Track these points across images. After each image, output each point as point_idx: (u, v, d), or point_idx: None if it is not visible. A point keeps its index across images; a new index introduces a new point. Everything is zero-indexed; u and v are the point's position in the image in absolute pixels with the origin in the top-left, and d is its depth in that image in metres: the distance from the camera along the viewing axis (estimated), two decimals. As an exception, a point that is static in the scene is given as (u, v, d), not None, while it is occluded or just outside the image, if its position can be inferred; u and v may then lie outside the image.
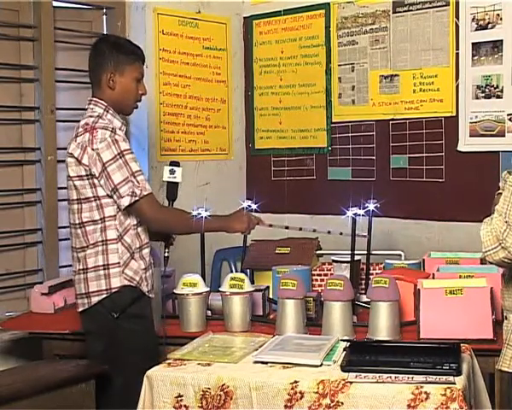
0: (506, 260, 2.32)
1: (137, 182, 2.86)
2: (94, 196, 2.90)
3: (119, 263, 2.90)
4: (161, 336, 3.04)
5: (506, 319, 2.49)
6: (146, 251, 2.99)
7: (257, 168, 4.79)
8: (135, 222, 2.94)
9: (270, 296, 3.41)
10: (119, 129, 2.95)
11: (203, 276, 3.41)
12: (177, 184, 3.14)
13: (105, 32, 4.20)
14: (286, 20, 4.61)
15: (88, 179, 2.89)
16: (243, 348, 2.75)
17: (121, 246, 2.91)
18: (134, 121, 4.20)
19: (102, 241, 2.90)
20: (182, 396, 2.50)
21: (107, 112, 2.97)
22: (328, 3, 4.43)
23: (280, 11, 4.63)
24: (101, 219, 2.90)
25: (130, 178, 2.85)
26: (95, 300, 2.90)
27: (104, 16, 4.21)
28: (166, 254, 3.14)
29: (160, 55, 4.29)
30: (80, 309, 2.96)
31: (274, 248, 3.76)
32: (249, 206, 3.73)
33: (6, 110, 3.83)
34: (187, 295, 3.21)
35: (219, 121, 4.65)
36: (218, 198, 4.39)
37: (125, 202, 2.85)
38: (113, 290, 2.89)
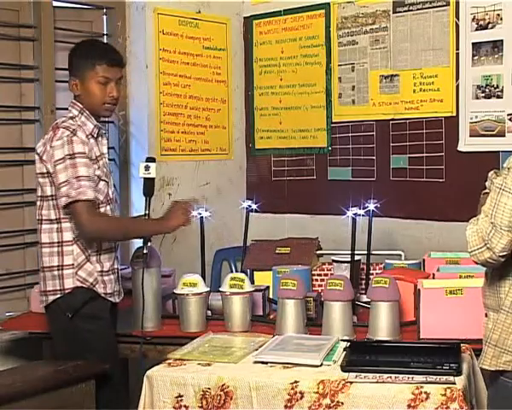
0: (490, 261, 2.32)
1: (78, 186, 2.84)
2: (51, 195, 2.93)
3: (72, 265, 2.93)
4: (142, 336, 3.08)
5: (486, 316, 2.47)
6: (106, 256, 3.00)
7: (257, 168, 4.79)
8: None
9: (271, 296, 3.41)
10: (90, 133, 2.98)
11: (203, 276, 3.41)
12: (152, 179, 3.14)
13: (105, 32, 4.20)
14: (286, 20, 4.61)
15: (47, 177, 2.93)
16: (243, 348, 2.75)
17: (76, 248, 2.94)
18: (134, 121, 4.21)
19: (58, 242, 2.94)
20: (182, 396, 2.50)
21: (82, 114, 3.00)
22: (329, 3, 4.43)
23: (280, 11, 4.63)
24: (56, 218, 2.93)
25: (71, 180, 2.85)
26: (50, 298, 2.96)
27: (104, 16, 4.21)
28: (145, 251, 3.12)
29: (160, 55, 4.29)
30: (42, 305, 3.03)
31: (274, 248, 3.76)
32: (249, 206, 3.74)
33: (6, 110, 3.83)
34: (187, 295, 3.21)
35: (219, 121, 4.65)
36: (218, 198, 4.39)
37: (62, 202, 2.87)
38: (67, 291, 2.94)
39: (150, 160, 3.16)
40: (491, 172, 2.58)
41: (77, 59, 3.02)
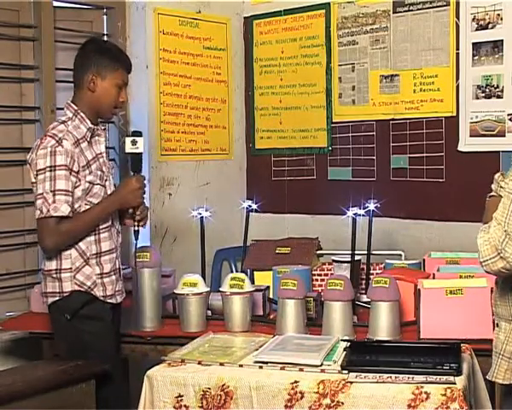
0: (504, 271, 2.24)
1: (52, 201, 2.84)
2: None
3: (70, 268, 2.93)
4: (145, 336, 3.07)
5: (497, 326, 2.43)
6: (107, 258, 2.99)
7: (257, 168, 4.79)
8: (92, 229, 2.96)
9: (271, 296, 3.41)
10: (83, 137, 2.95)
11: (203, 276, 3.41)
12: (139, 155, 3.03)
13: (105, 32, 4.20)
14: (286, 20, 4.61)
15: (35, 186, 2.94)
16: (243, 348, 2.75)
17: (74, 252, 2.94)
18: (134, 121, 4.20)
19: None
20: (182, 396, 2.50)
21: (76, 116, 2.98)
22: (329, 3, 4.43)
23: (280, 11, 4.63)
24: None
25: (45, 194, 2.84)
26: (50, 300, 2.98)
27: (104, 16, 4.21)
28: (136, 228, 3.06)
29: (161, 55, 4.29)
30: (44, 306, 3.04)
31: (274, 248, 3.76)
32: (249, 206, 3.73)
33: (6, 110, 3.83)
34: (187, 295, 3.21)
35: (220, 121, 4.65)
36: (219, 198, 4.39)
37: (36, 215, 2.88)
38: (65, 294, 2.94)
39: (136, 134, 3.06)
40: (498, 174, 2.52)
41: (102, 57, 2.99)
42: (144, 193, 3.03)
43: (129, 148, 3.02)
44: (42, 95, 3.87)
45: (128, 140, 3.02)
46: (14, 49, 3.85)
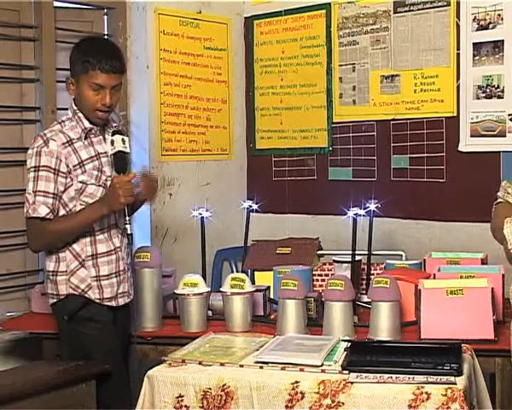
0: None
1: (32, 202, 2.85)
2: None
3: (65, 271, 2.93)
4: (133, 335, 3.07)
5: None
6: (104, 260, 2.96)
7: (258, 168, 4.79)
8: (87, 229, 2.93)
9: (271, 296, 3.41)
10: (78, 137, 2.92)
11: (204, 276, 3.41)
12: (121, 154, 2.90)
13: (106, 33, 4.20)
14: (287, 20, 4.61)
15: None
16: (244, 349, 2.75)
17: (69, 254, 2.93)
18: (135, 121, 4.21)
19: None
20: (182, 397, 2.50)
21: (74, 116, 2.96)
22: (329, 3, 4.43)
23: (281, 11, 4.63)
24: None
25: (27, 195, 2.87)
26: (50, 301, 3.00)
27: (105, 16, 4.20)
28: (129, 232, 2.94)
29: (161, 55, 4.29)
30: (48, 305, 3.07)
31: (275, 248, 3.76)
32: (250, 206, 3.74)
33: (7, 110, 3.83)
34: (188, 295, 3.21)
35: (220, 121, 4.65)
36: (219, 198, 4.39)
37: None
38: (61, 297, 2.95)
39: (114, 133, 2.95)
40: (505, 181, 2.59)
41: (74, 58, 2.95)
42: (130, 194, 2.86)
43: (110, 150, 2.94)
44: (42, 95, 3.87)
45: (108, 141, 2.96)
46: (14, 50, 3.85)
